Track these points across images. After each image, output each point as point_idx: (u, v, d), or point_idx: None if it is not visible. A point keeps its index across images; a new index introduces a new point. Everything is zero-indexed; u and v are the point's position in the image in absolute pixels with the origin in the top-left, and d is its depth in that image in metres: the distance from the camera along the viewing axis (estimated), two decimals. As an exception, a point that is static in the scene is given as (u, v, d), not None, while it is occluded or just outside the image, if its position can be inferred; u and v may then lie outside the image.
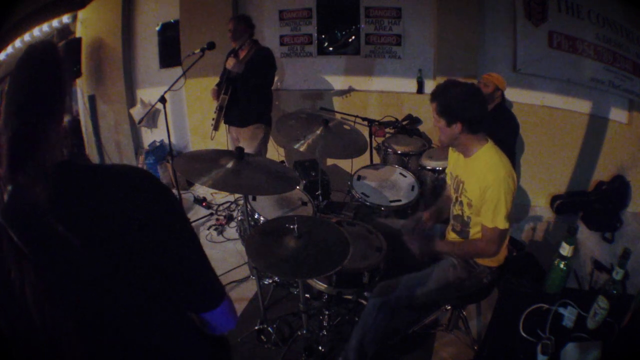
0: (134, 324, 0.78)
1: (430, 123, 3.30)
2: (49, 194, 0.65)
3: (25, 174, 0.65)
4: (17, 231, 0.65)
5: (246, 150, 2.98)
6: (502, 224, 1.65)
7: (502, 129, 2.38)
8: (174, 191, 3.15)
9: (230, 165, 1.72)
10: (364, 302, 2.11)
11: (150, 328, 0.80)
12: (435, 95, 1.70)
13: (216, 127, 3.07)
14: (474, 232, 1.80)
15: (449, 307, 2.05)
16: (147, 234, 0.73)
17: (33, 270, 0.66)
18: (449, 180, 1.99)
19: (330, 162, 3.89)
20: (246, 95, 2.95)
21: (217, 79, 3.16)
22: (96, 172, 0.75)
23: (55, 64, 0.71)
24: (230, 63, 2.83)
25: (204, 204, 3.71)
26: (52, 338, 0.69)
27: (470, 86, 1.69)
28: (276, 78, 3.74)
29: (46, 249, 0.67)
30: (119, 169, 0.78)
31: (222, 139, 3.28)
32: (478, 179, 1.69)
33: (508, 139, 2.47)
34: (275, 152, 3.87)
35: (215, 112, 3.03)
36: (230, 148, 3.21)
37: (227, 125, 3.19)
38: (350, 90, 3.77)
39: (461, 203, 1.81)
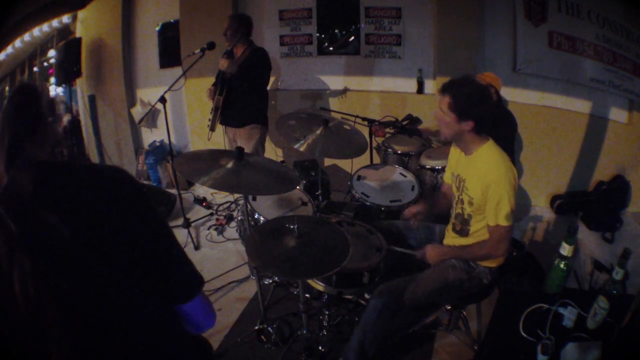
0: (121, 320, 0.80)
1: (431, 123, 3.32)
2: (34, 185, 0.74)
3: (15, 168, 0.75)
4: (11, 217, 0.70)
5: (243, 151, 3.02)
6: (504, 221, 1.65)
7: (500, 128, 2.37)
8: (174, 191, 3.17)
9: (230, 165, 1.72)
10: (363, 302, 2.11)
11: (136, 324, 0.83)
12: (449, 89, 1.65)
13: (212, 128, 3.05)
14: (474, 230, 1.80)
15: (449, 307, 2.05)
16: (121, 226, 0.80)
17: (24, 260, 0.69)
18: (449, 180, 1.99)
19: (330, 162, 3.89)
20: (241, 96, 2.92)
21: (217, 79, 3.16)
22: (77, 169, 0.84)
23: (36, 103, 0.85)
24: (224, 64, 2.77)
25: (204, 204, 3.71)
26: (39, 330, 0.71)
27: (485, 86, 1.69)
28: (273, 78, 3.73)
29: (35, 236, 0.72)
30: (97, 166, 0.94)
31: (218, 140, 3.27)
32: (479, 177, 1.69)
33: (507, 137, 2.47)
34: (273, 153, 3.88)
35: (211, 113, 3.02)
36: (227, 148, 3.19)
37: (223, 126, 3.17)
38: (350, 90, 3.77)
39: (462, 201, 1.81)
